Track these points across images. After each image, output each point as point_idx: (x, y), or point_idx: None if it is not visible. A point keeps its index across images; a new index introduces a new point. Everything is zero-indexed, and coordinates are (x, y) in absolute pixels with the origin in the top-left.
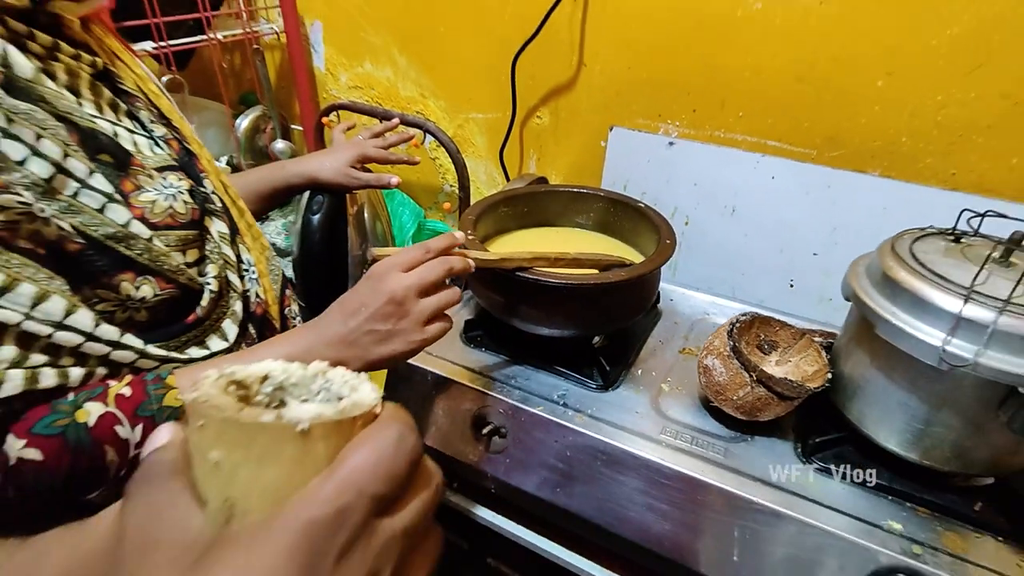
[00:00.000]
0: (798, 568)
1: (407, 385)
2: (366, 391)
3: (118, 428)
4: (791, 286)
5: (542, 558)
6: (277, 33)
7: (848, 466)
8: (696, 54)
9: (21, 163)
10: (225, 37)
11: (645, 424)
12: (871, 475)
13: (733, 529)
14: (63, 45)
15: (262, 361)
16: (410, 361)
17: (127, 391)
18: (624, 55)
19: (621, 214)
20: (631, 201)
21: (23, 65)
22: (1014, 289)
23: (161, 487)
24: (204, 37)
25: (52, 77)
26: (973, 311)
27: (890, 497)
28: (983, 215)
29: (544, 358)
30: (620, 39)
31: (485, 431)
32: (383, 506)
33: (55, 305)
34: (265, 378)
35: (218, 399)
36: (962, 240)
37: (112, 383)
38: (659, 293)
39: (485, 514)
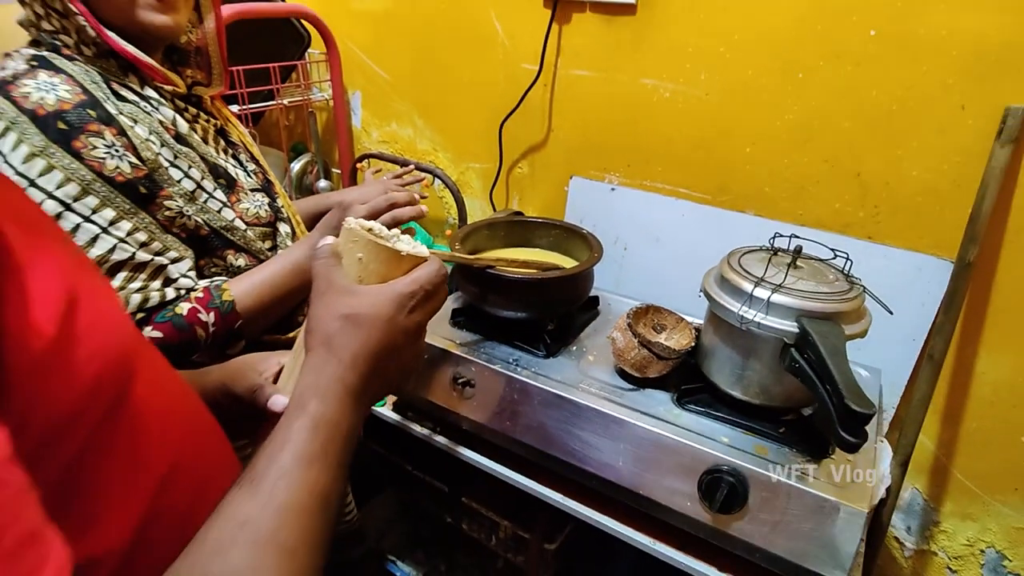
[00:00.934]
0: (663, 466)
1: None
2: (423, 249)
3: (199, 315)
4: (699, 296)
5: (502, 489)
6: (327, 100)
7: (703, 405)
8: (627, 126)
9: (178, 182)
10: (289, 103)
11: (571, 378)
12: (717, 410)
13: (620, 444)
14: (201, 113)
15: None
16: None
17: (201, 295)
18: (579, 125)
19: (569, 237)
20: (576, 228)
21: (182, 124)
22: (784, 279)
23: (327, 261)
24: (273, 103)
25: (195, 131)
26: (759, 291)
27: (727, 424)
28: (789, 237)
29: (506, 335)
30: (576, 114)
31: (460, 382)
32: (429, 294)
33: (186, 264)
34: (371, 228)
35: (359, 232)
36: (778, 253)
37: (196, 292)
38: (599, 297)
39: (461, 451)
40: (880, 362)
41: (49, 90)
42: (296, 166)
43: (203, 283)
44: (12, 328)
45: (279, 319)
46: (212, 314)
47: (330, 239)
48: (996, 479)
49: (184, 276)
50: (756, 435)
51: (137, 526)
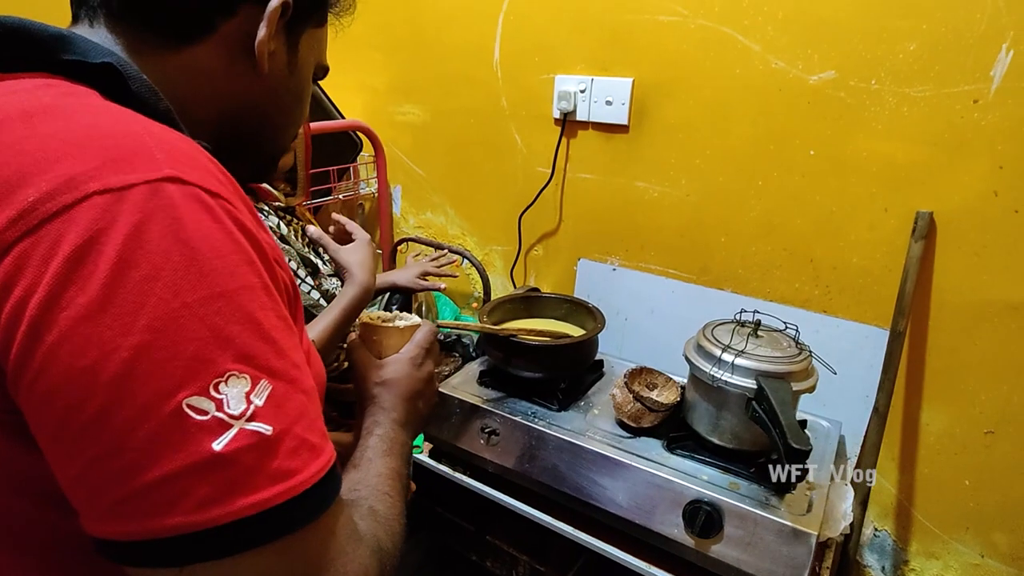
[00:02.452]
0: (655, 500)
1: (448, 405)
2: (416, 319)
3: None
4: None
5: (522, 527)
6: (373, 193)
7: (689, 450)
8: (625, 219)
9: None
10: (343, 196)
11: (579, 428)
12: (700, 454)
13: (620, 482)
14: (293, 218)
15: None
16: (448, 392)
17: None
18: (585, 217)
19: (577, 310)
20: (583, 302)
21: (284, 229)
22: (746, 346)
23: (357, 349)
24: (331, 198)
25: (291, 233)
26: (725, 356)
27: (707, 464)
28: (753, 312)
29: (525, 392)
30: (582, 208)
31: (486, 431)
32: (428, 350)
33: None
34: (379, 317)
35: (374, 320)
36: (744, 325)
37: None
38: (603, 360)
39: (485, 490)
40: (841, 416)
41: None
42: (410, 259)
43: None
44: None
45: (335, 349)
46: None
47: (354, 335)
48: (950, 519)
49: None
50: (731, 474)
51: None
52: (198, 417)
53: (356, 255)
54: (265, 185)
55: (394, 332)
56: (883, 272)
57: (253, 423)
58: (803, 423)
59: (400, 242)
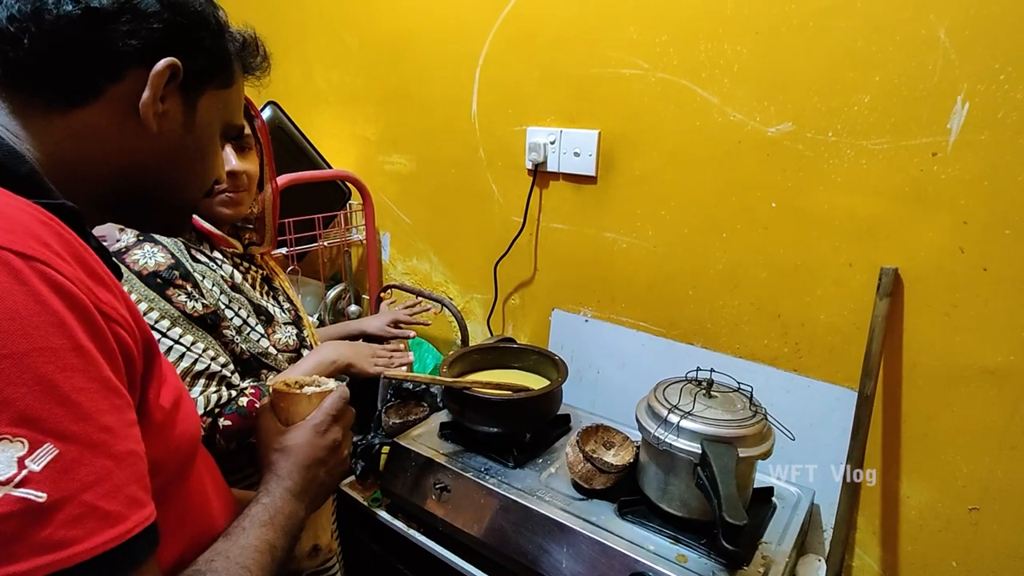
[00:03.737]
0: (600, 569)
1: (403, 458)
2: (331, 384)
3: (256, 404)
4: None
5: None
6: (361, 240)
7: (640, 516)
8: (595, 269)
9: (231, 319)
10: (328, 243)
11: (531, 487)
12: (651, 521)
13: (564, 547)
14: (252, 266)
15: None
16: (406, 445)
17: (253, 390)
18: (558, 267)
19: (544, 362)
20: (549, 354)
21: (237, 276)
22: (692, 406)
23: (263, 415)
24: (316, 244)
25: (246, 281)
26: (671, 416)
27: (658, 533)
28: (710, 371)
29: (482, 447)
30: (555, 258)
31: (438, 487)
32: (336, 417)
33: (235, 375)
34: (296, 382)
35: (281, 386)
36: (700, 384)
37: (248, 391)
38: (570, 415)
39: (436, 549)
40: (815, 483)
41: (150, 257)
42: (332, 293)
43: (250, 382)
44: (151, 400)
45: None
46: (231, 418)
47: (264, 399)
48: None
49: (240, 382)
50: (681, 544)
51: (171, 562)
52: None
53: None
54: (218, 232)
55: (302, 399)
56: (852, 330)
57: (22, 489)
58: (769, 490)
59: (385, 288)
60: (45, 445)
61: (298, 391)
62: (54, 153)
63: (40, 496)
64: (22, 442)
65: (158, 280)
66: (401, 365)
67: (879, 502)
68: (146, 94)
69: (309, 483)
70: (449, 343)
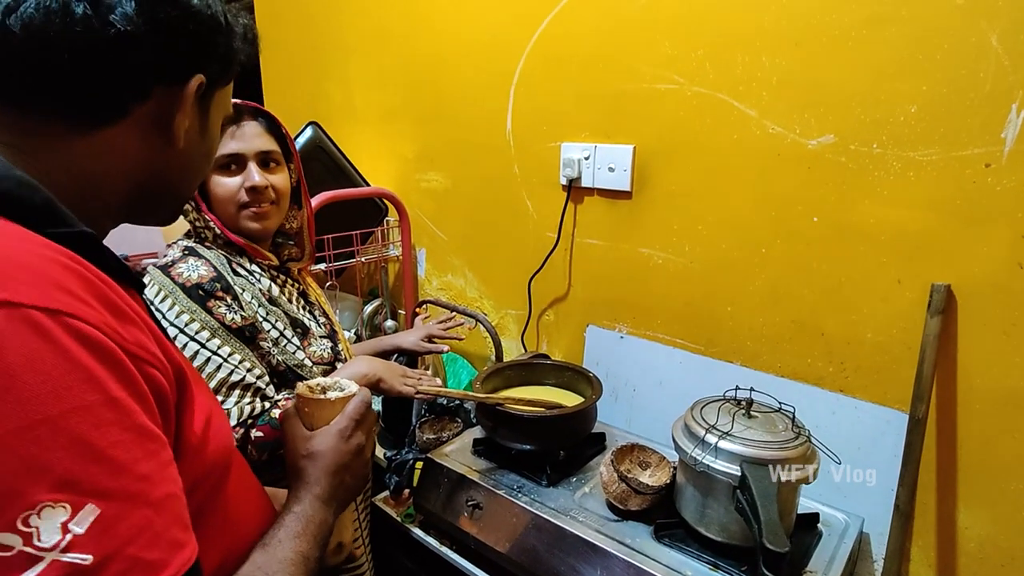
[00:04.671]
0: None
1: (436, 474)
2: (353, 387)
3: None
4: None
5: None
6: (397, 256)
7: (678, 540)
8: (630, 285)
9: (268, 331)
10: (366, 260)
11: (565, 507)
12: (689, 545)
13: (598, 569)
14: (289, 280)
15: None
16: (439, 461)
17: (284, 403)
18: (592, 282)
19: (578, 379)
20: (583, 371)
21: (274, 290)
22: (732, 427)
23: (288, 420)
24: (354, 260)
25: (283, 294)
26: (709, 437)
27: (696, 559)
28: (749, 390)
29: (516, 464)
30: (589, 273)
31: (470, 504)
32: (359, 422)
33: (269, 387)
34: (319, 385)
35: (305, 391)
36: (739, 403)
37: (280, 403)
38: (604, 433)
39: (468, 567)
40: (863, 510)
41: (194, 270)
42: (368, 308)
43: (284, 394)
44: (186, 426)
45: None
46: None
47: (289, 404)
48: None
49: (274, 393)
50: (719, 571)
51: (211, 571)
52: (1, 553)
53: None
54: (254, 246)
55: (326, 404)
56: (901, 349)
57: (69, 554)
58: (814, 517)
59: (421, 304)
60: (86, 506)
61: (321, 396)
62: (71, 174)
63: (86, 559)
64: (64, 507)
65: (200, 292)
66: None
67: (934, 532)
68: (178, 115)
69: (336, 488)
70: (483, 358)
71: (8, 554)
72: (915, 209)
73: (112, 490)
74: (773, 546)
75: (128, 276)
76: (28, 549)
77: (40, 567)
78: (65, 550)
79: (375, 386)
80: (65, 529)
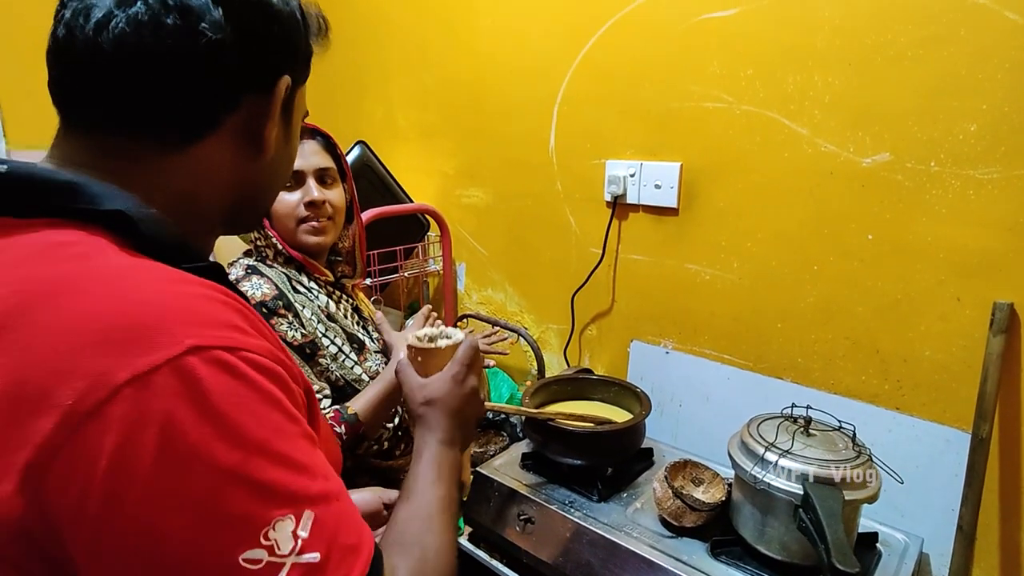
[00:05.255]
0: None
1: (485, 487)
2: (459, 335)
3: (335, 428)
4: None
5: None
6: (438, 270)
7: (735, 558)
8: (676, 301)
9: (327, 347)
10: (409, 274)
11: (618, 523)
12: (747, 563)
13: None
14: (344, 296)
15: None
16: (488, 474)
17: (332, 414)
18: (637, 298)
19: (625, 394)
20: (631, 386)
21: (332, 306)
22: (792, 445)
23: (404, 370)
24: (397, 275)
25: (339, 310)
26: (769, 455)
27: None
28: (806, 408)
29: (565, 479)
30: (634, 289)
31: (522, 518)
32: (470, 366)
33: (328, 399)
34: (426, 335)
35: (416, 342)
36: (796, 421)
37: (329, 415)
38: (652, 448)
39: None
40: (923, 530)
41: (258, 288)
42: (410, 322)
43: (332, 407)
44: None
45: (383, 422)
46: (343, 426)
47: (403, 354)
48: None
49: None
50: None
51: None
52: (253, 568)
53: (402, 338)
54: (313, 262)
55: (436, 352)
56: (961, 368)
57: (304, 555)
58: (873, 536)
59: (462, 318)
60: (304, 512)
61: (431, 345)
62: (170, 195)
63: (315, 557)
64: (290, 517)
65: (264, 310)
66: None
67: (997, 554)
68: (269, 122)
69: (456, 430)
70: (524, 372)
71: (258, 566)
72: (975, 227)
73: (316, 494)
74: (843, 566)
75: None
76: (273, 559)
77: (284, 572)
78: (299, 553)
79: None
80: (295, 536)
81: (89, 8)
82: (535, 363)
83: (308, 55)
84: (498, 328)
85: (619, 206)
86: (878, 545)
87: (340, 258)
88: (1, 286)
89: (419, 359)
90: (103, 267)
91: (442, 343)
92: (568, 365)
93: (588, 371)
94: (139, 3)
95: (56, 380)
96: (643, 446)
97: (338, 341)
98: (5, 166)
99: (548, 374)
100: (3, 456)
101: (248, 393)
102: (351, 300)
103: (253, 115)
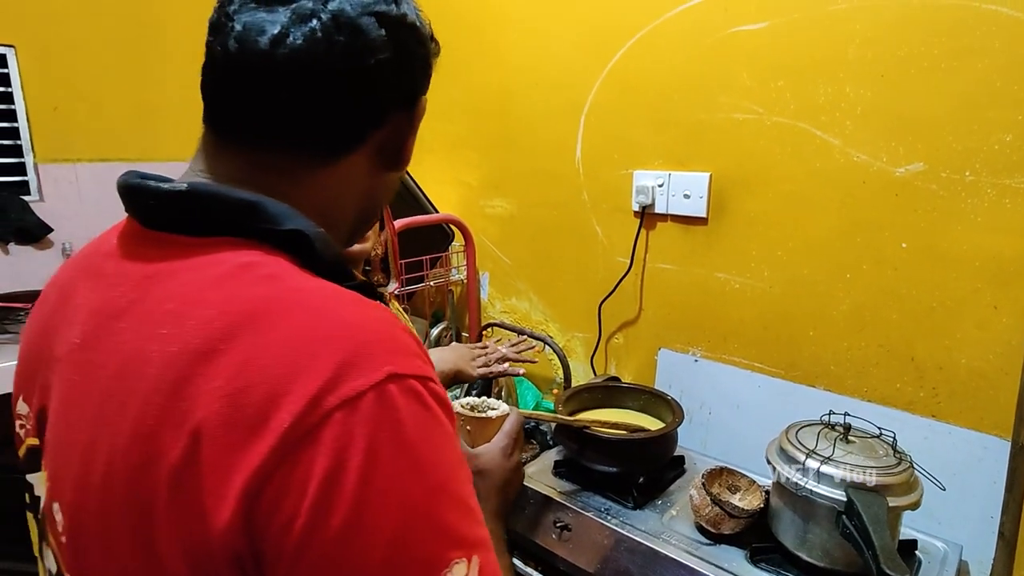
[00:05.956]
0: None
1: (519, 495)
2: (504, 407)
3: None
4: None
5: None
6: (462, 280)
7: (775, 565)
8: (705, 309)
9: None
10: (434, 283)
11: (655, 529)
12: (787, 571)
13: None
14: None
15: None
16: (525, 483)
17: None
18: (665, 307)
19: (656, 402)
20: (662, 394)
21: None
22: (832, 451)
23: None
24: (423, 284)
25: None
26: (810, 462)
27: None
28: (843, 415)
29: (599, 487)
30: (662, 298)
31: (558, 526)
32: (516, 440)
33: None
34: (470, 404)
35: (464, 410)
36: (835, 428)
37: None
38: (684, 456)
39: None
40: (962, 538)
41: None
42: (435, 331)
43: None
44: None
45: None
46: None
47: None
48: None
49: None
50: None
51: None
52: None
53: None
54: (353, 273)
55: (486, 422)
56: (999, 375)
57: None
58: (912, 543)
59: (487, 326)
60: (474, 556)
61: (483, 415)
62: (313, 208)
63: None
64: (463, 560)
65: None
66: (500, 361)
67: None
68: (410, 137)
69: (504, 503)
70: (549, 381)
71: None
72: (1011, 235)
73: (481, 539)
74: (893, 572)
75: None
76: None
77: None
78: None
79: (455, 378)
80: None
81: (263, 24)
82: (560, 372)
83: (430, 68)
84: (524, 336)
85: (647, 216)
86: (917, 552)
87: (367, 267)
88: (203, 307)
89: (468, 428)
90: (298, 289)
91: (491, 413)
92: (595, 373)
93: (616, 379)
94: (314, 21)
95: (272, 404)
96: (674, 454)
97: None
98: (185, 184)
99: (574, 383)
100: (220, 483)
101: (435, 427)
102: (387, 308)
103: (395, 131)
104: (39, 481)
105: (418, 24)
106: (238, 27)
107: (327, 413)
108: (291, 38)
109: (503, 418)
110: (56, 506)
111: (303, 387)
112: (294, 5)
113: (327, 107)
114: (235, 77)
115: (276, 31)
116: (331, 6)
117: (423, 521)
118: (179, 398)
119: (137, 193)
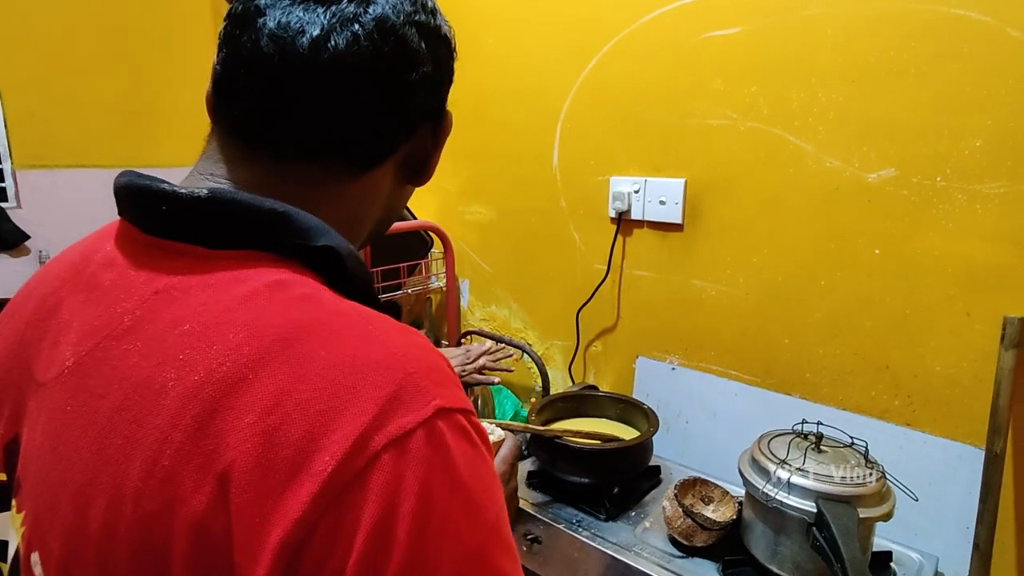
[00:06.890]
0: None
1: None
2: (500, 432)
3: None
4: None
5: None
6: (441, 287)
7: None
8: (682, 317)
9: None
10: (412, 291)
11: (626, 542)
12: None
13: None
14: None
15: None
16: None
17: None
18: (642, 314)
19: (632, 411)
20: (638, 403)
21: None
22: (804, 461)
23: None
24: (401, 292)
25: None
26: (780, 472)
27: None
28: (816, 424)
29: (572, 498)
30: (639, 305)
31: (529, 538)
32: (513, 466)
33: None
34: None
35: None
36: (808, 437)
37: None
38: (660, 466)
39: None
40: (937, 549)
41: None
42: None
43: None
44: None
45: None
46: None
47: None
48: None
49: None
50: None
51: None
52: None
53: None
54: None
55: None
56: (973, 383)
57: None
58: (887, 555)
59: (465, 334)
60: None
61: None
62: (339, 221)
63: None
64: None
65: None
66: (478, 357)
67: (1015, 572)
68: (436, 150)
69: None
70: (528, 390)
71: None
72: (983, 241)
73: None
74: None
75: None
76: None
77: None
78: None
79: None
80: None
81: (301, 24)
82: (539, 380)
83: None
84: (503, 344)
85: (624, 222)
86: (892, 564)
87: None
88: (229, 330)
89: None
90: (338, 313)
91: (491, 439)
92: (573, 382)
93: (593, 388)
94: (356, 26)
95: (312, 444)
96: (650, 463)
97: None
98: (206, 190)
99: (552, 391)
100: (254, 536)
101: (482, 465)
102: None
103: (421, 144)
104: (7, 523)
105: (450, 36)
106: (271, 23)
107: (375, 455)
108: (332, 42)
109: (499, 444)
110: (35, 557)
111: (347, 425)
112: (334, 7)
113: (369, 117)
114: (269, 79)
115: (317, 32)
116: (373, 11)
117: (476, 565)
118: (203, 435)
119: (143, 196)
